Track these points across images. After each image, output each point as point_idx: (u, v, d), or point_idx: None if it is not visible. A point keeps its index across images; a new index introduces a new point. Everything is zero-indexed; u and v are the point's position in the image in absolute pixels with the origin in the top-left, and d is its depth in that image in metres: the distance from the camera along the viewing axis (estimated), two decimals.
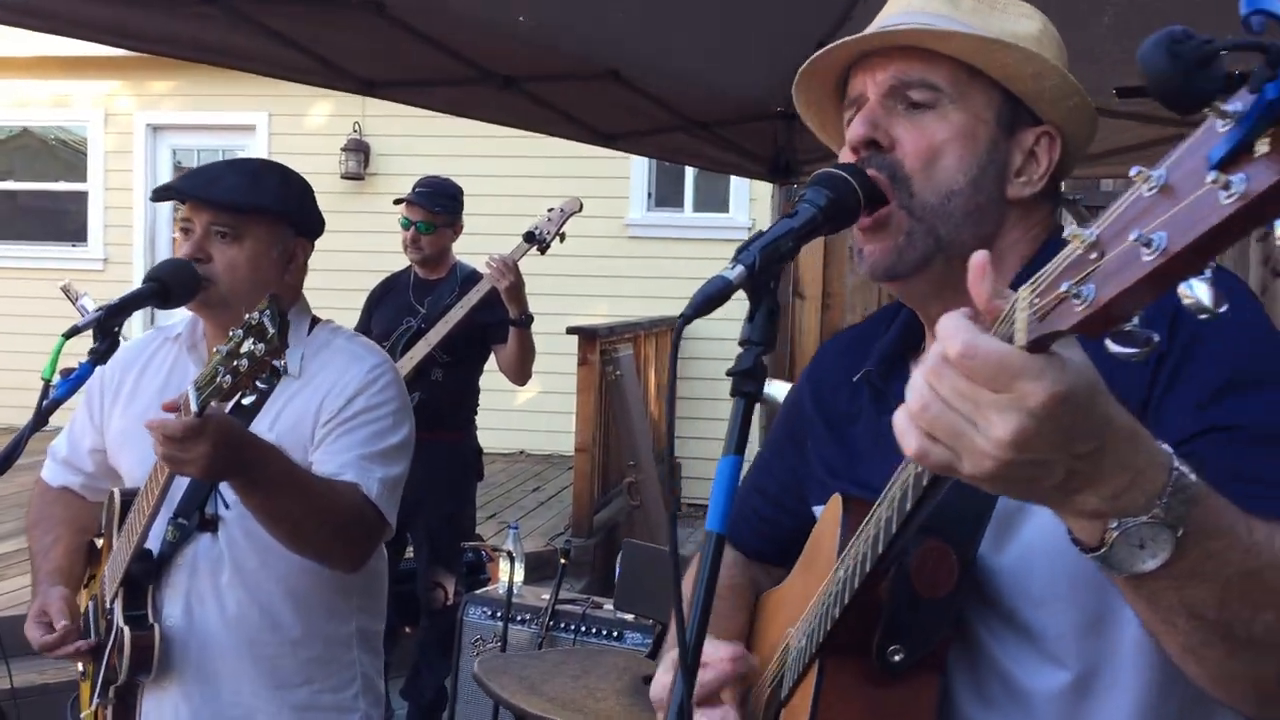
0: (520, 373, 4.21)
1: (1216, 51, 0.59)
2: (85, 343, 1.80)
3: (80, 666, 2.08)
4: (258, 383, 1.63)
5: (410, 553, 4.42)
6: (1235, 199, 0.59)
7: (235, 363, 1.60)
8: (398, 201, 4.33)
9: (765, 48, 4.40)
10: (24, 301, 9.04)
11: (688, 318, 0.94)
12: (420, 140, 8.45)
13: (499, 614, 3.68)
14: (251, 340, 1.61)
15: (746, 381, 0.95)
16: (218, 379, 1.62)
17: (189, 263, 1.94)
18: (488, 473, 4.80)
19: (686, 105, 4.46)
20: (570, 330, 6.31)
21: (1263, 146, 0.58)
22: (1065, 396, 0.73)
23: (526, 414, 8.28)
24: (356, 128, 9.00)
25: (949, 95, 1.14)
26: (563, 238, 4.22)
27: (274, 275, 2.03)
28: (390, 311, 4.34)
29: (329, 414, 1.98)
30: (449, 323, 4.13)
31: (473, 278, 4.25)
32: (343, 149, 8.96)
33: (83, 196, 9.74)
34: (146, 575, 1.95)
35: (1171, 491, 0.79)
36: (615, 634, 3.55)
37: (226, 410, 1.71)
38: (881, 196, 1.11)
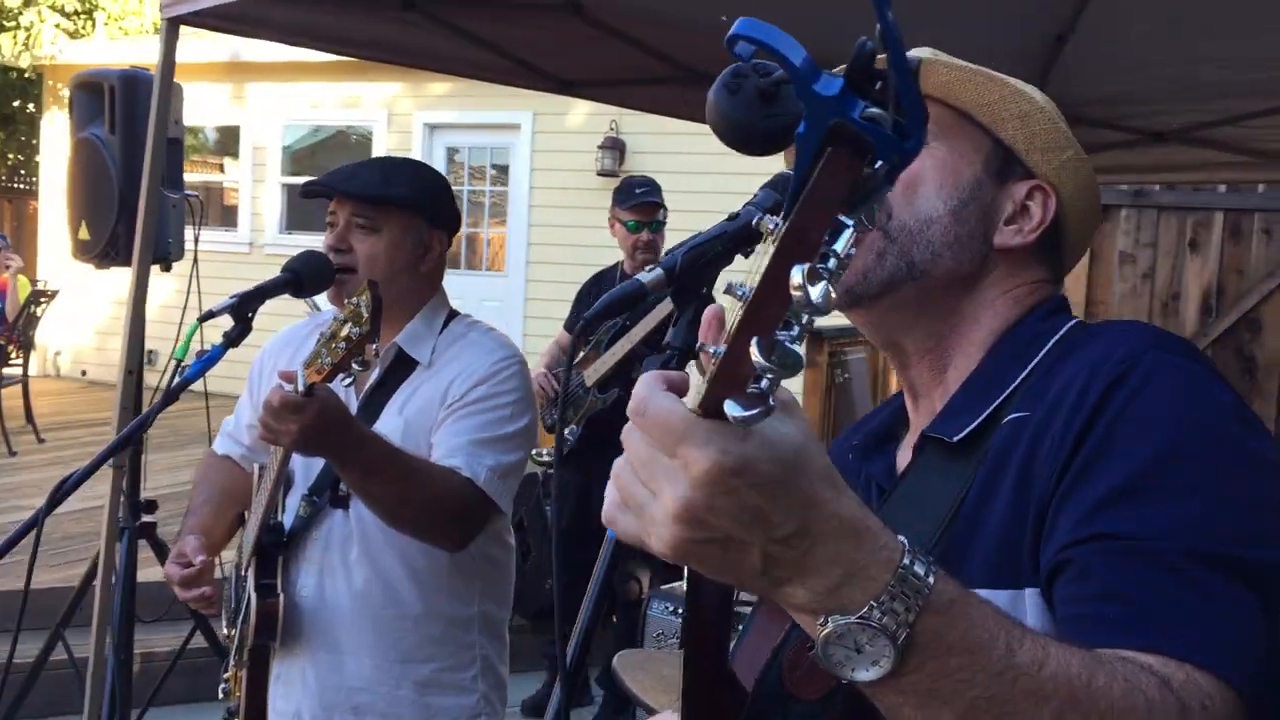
0: None
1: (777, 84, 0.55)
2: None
3: (227, 631, 2.24)
4: (354, 364, 1.71)
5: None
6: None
7: (335, 345, 1.69)
8: (622, 211, 4.37)
9: (1007, 38, 4.20)
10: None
11: (587, 320, 0.90)
12: (672, 138, 8.56)
13: (680, 610, 3.68)
14: (350, 325, 1.69)
15: None
16: (319, 360, 1.71)
17: (324, 255, 2.05)
18: None
19: None
20: None
21: None
22: (736, 469, 0.66)
23: None
24: (613, 126, 9.22)
25: (933, 133, 1.09)
26: None
27: (410, 266, 2.11)
28: None
29: (451, 399, 2.05)
30: (653, 320, 4.17)
31: None
32: (599, 146, 9.20)
33: None
34: (275, 546, 2.08)
35: (894, 592, 0.71)
36: None
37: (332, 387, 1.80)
38: None
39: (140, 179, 2.91)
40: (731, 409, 0.62)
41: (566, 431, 4.23)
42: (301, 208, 10.85)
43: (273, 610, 2.05)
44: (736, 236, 0.97)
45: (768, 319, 0.61)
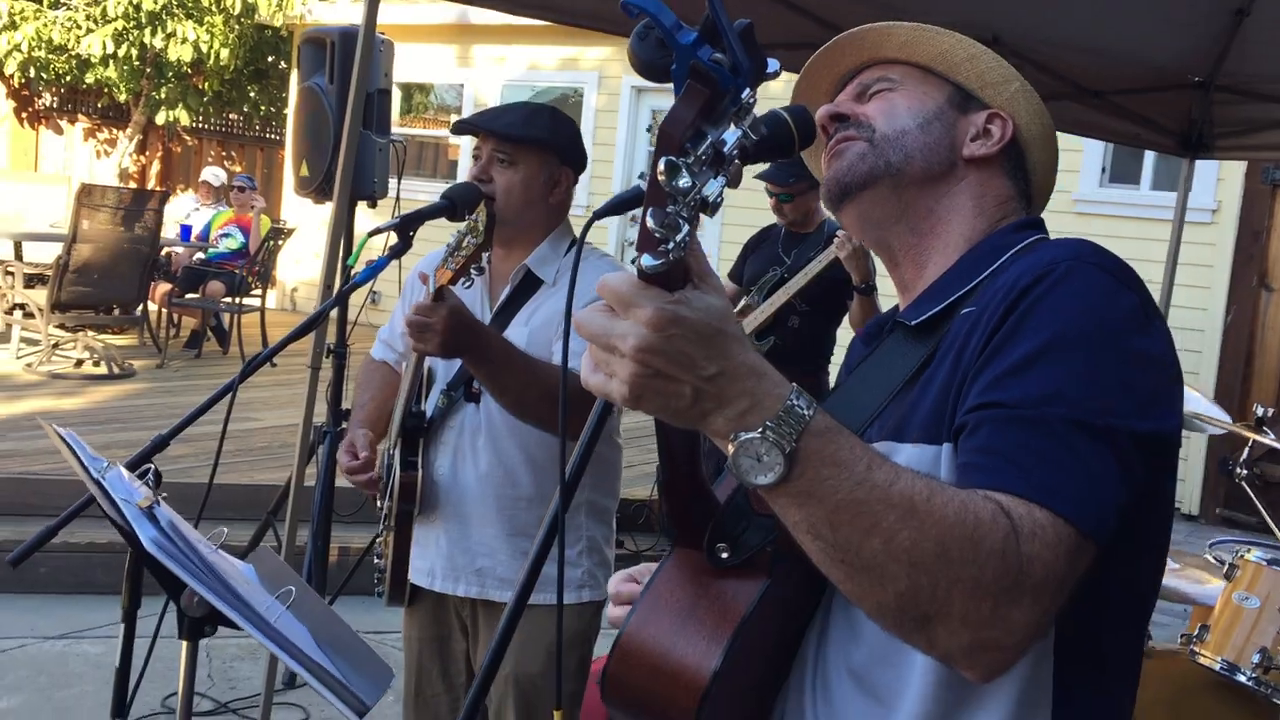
0: None
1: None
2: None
3: (380, 504, 2.66)
4: (473, 270, 2.06)
5: None
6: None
7: (458, 254, 2.06)
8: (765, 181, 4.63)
9: (1181, 15, 4.19)
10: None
11: (599, 213, 1.20)
12: None
13: None
14: (470, 236, 2.05)
15: None
16: (446, 265, 2.08)
17: (474, 184, 2.41)
18: None
19: (1078, 73, 4.36)
20: None
21: None
22: (673, 318, 0.89)
23: None
24: None
25: (901, 82, 1.35)
26: None
27: (541, 197, 2.45)
28: (760, 260, 4.69)
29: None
30: (807, 275, 4.41)
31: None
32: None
33: None
34: (417, 430, 2.47)
35: (782, 418, 0.94)
36: None
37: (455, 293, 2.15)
38: (812, 136, 1.30)
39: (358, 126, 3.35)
40: (644, 260, 0.89)
41: None
42: None
43: (412, 482, 2.44)
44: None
45: (655, 197, 0.87)
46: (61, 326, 8.07)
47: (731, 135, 0.90)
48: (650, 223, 0.87)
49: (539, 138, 2.43)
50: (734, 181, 0.95)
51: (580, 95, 11.04)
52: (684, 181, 0.87)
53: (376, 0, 3.13)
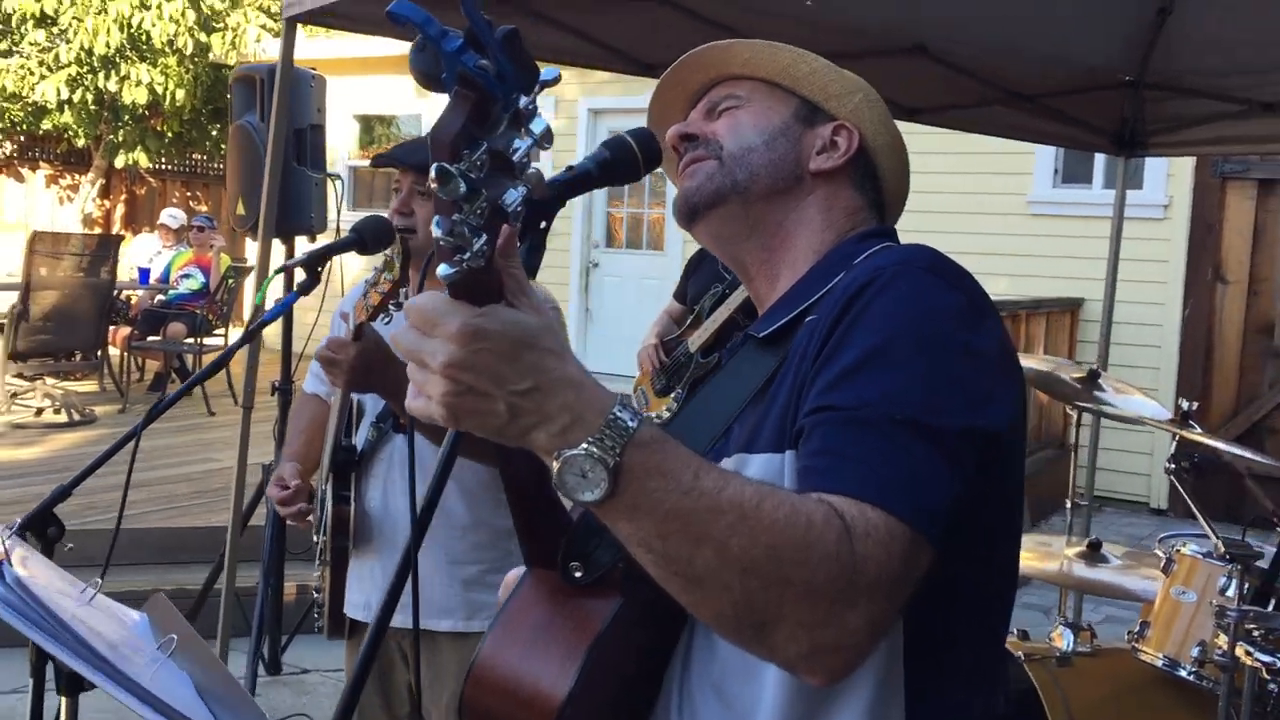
0: None
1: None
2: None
3: (315, 538, 2.65)
4: (391, 306, 2.07)
5: None
6: None
7: (374, 289, 2.06)
8: None
9: (1108, 15, 4.24)
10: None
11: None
12: None
13: None
14: (386, 272, 2.05)
15: None
16: (364, 301, 2.08)
17: (385, 219, 2.41)
18: None
19: (1008, 78, 4.39)
20: None
21: None
22: (478, 332, 0.89)
23: None
24: None
25: (748, 99, 1.37)
26: None
27: None
28: (702, 278, 4.70)
29: None
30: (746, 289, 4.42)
31: None
32: None
33: None
34: (348, 464, 2.47)
35: (605, 432, 0.92)
36: None
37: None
38: (658, 158, 1.31)
39: (290, 162, 3.36)
40: (440, 270, 0.88)
41: (671, 395, 4.55)
42: None
43: (345, 515, 2.44)
44: (568, 183, 1.25)
45: (440, 207, 0.86)
46: (20, 375, 8.02)
47: (523, 144, 0.89)
48: (436, 232, 0.86)
49: None
50: (538, 191, 0.95)
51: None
52: (462, 188, 0.85)
53: (293, 36, 3.14)
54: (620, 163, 1.28)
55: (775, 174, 1.33)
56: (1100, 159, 8.39)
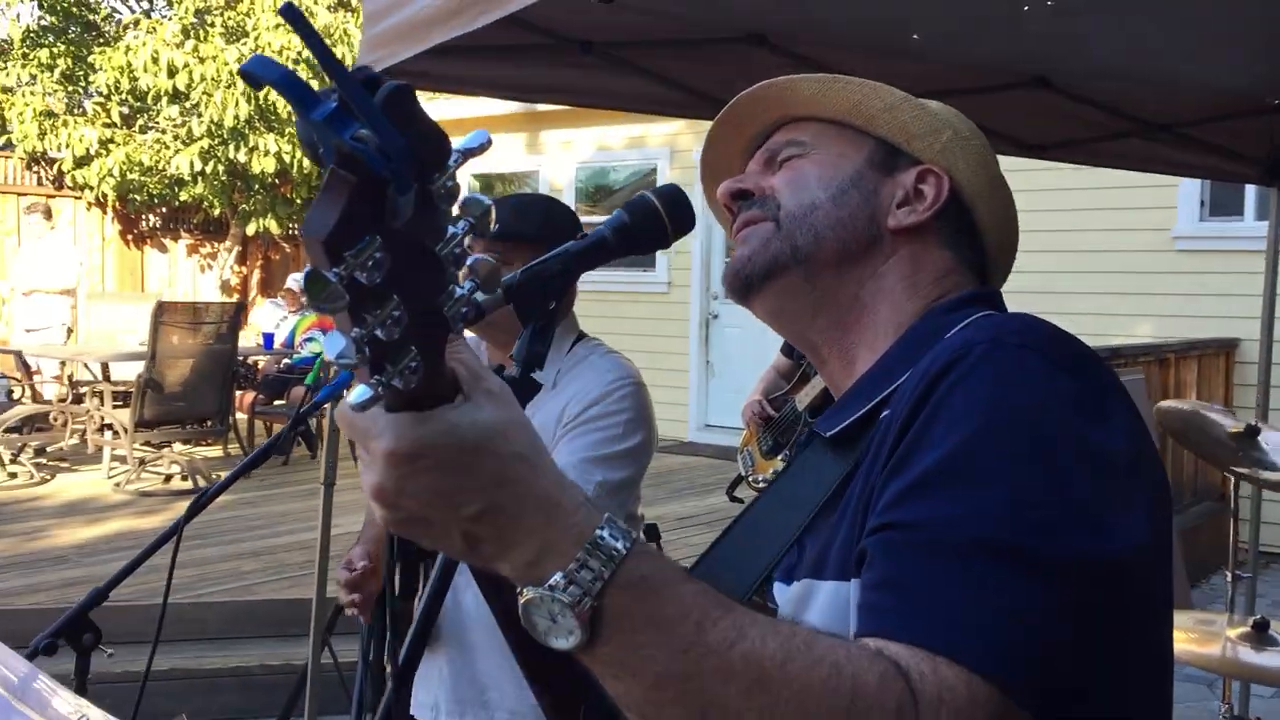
0: None
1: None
2: None
3: None
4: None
5: None
6: None
7: None
8: None
9: (1249, 34, 3.89)
10: (606, 321, 10.31)
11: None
12: None
13: None
14: None
15: None
16: None
17: None
18: None
19: (1141, 108, 4.06)
20: None
21: None
22: (411, 453, 0.70)
23: None
24: None
25: (813, 145, 1.14)
26: None
27: None
28: None
29: (566, 419, 2.19)
30: None
31: None
32: None
33: None
34: (417, 555, 2.28)
35: (584, 565, 0.73)
36: None
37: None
38: (690, 219, 1.09)
39: None
40: (353, 395, 0.67)
41: (779, 456, 4.29)
42: None
43: (408, 612, 2.25)
44: (582, 255, 1.05)
45: (338, 321, 0.65)
46: (148, 443, 8.17)
47: (455, 229, 0.71)
48: (330, 354, 0.65)
49: (528, 234, 2.26)
50: (487, 285, 0.73)
51: (655, 172, 10.97)
52: (343, 298, 0.63)
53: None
54: (642, 230, 1.08)
55: (845, 236, 1.09)
56: (1252, 188, 7.83)
